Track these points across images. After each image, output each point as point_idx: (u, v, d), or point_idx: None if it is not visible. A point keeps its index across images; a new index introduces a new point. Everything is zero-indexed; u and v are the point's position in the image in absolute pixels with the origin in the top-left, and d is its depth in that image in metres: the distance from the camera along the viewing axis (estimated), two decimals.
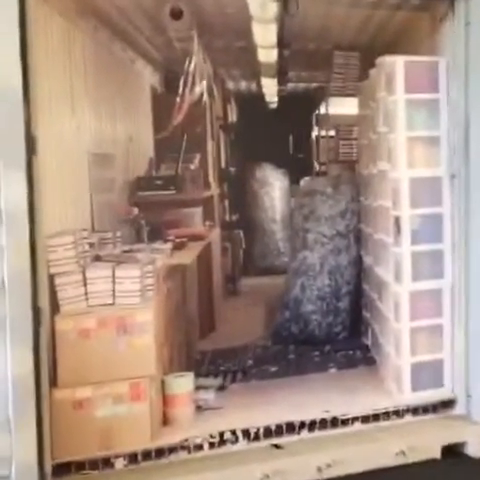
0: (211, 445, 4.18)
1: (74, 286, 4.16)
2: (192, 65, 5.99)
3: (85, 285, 4.20)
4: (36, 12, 3.68)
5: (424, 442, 4.41)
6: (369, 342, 6.05)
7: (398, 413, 4.62)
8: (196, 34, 5.79)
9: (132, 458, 3.98)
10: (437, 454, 4.39)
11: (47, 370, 3.44)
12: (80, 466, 3.86)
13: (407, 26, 6.18)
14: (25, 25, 3.36)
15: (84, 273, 4.21)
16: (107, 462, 3.93)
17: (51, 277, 4.11)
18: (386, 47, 6.59)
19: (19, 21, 3.32)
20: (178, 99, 6.12)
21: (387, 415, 4.59)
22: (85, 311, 4.14)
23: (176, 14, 5.32)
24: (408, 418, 4.64)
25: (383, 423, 4.57)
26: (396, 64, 4.78)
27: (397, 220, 4.83)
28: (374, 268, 5.69)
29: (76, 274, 4.18)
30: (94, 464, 3.90)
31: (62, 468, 3.78)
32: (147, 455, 4.01)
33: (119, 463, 3.95)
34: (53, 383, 3.95)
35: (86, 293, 4.20)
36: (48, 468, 3.36)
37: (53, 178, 4.28)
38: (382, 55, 5.13)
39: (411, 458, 4.32)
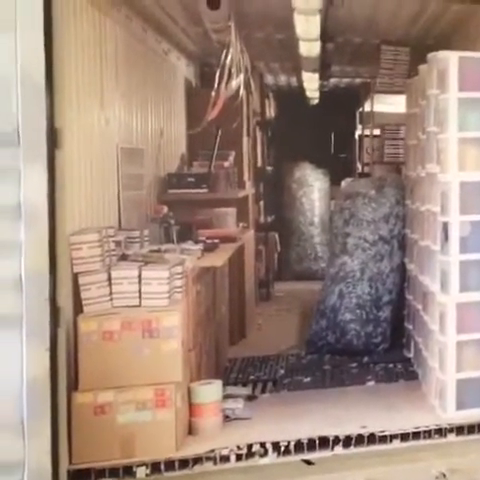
0: (238, 457, 4.17)
1: (98, 286, 4.19)
2: (229, 58, 6.00)
3: (110, 285, 4.23)
4: (63, 0, 3.71)
5: (467, 464, 4.33)
6: (411, 355, 6.00)
7: (440, 432, 4.56)
8: (234, 25, 5.80)
9: (155, 467, 3.99)
10: None
11: (65, 372, 3.47)
12: (100, 473, 3.88)
13: (462, 19, 6.13)
14: (50, 13, 3.39)
15: (109, 272, 4.25)
16: (128, 470, 3.95)
17: (75, 276, 4.16)
18: (439, 42, 6.55)
19: (44, 9, 3.36)
20: (213, 93, 6.14)
21: (428, 434, 4.53)
22: (109, 312, 4.18)
23: (213, 4, 5.34)
24: (451, 438, 4.57)
25: (424, 442, 4.50)
26: (449, 60, 4.74)
27: (445, 226, 4.79)
28: (419, 277, 5.64)
29: (101, 273, 4.22)
30: (115, 472, 3.91)
31: (81, 474, 3.81)
32: (171, 465, 4.02)
33: (141, 472, 3.96)
34: (74, 387, 4.00)
35: (111, 293, 4.23)
36: (63, 474, 3.38)
37: (79, 173, 4.33)
38: (434, 50, 5.09)
39: None
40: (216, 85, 6.12)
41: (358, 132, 11.33)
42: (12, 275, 3.25)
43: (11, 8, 3.27)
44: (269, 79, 10.64)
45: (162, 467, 4.01)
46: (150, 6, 5.85)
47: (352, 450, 4.37)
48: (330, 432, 4.38)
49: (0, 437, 3.17)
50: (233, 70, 6.17)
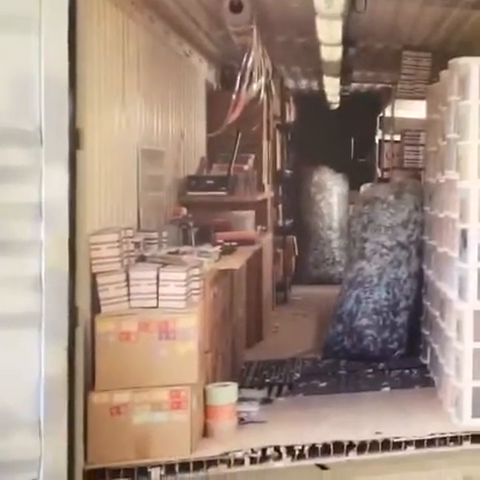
0: (252, 460, 4.17)
1: (116, 286, 4.20)
2: (250, 61, 6.01)
3: (128, 286, 4.24)
4: (88, 1, 3.72)
5: None
6: (427, 362, 5.97)
7: (456, 439, 4.53)
8: (256, 28, 5.80)
9: (169, 468, 3.99)
10: None
11: (82, 372, 3.47)
12: (115, 473, 3.89)
13: None
14: (75, 15, 3.41)
15: (127, 273, 4.26)
16: (143, 471, 3.95)
17: (93, 276, 4.18)
18: (461, 48, 6.51)
19: (68, 10, 3.36)
20: (234, 96, 6.15)
21: (443, 441, 4.51)
22: (127, 313, 4.19)
23: (236, 7, 5.35)
24: (466, 445, 4.53)
25: (439, 449, 4.48)
26: (471, 66, 4.75)
27: (464, 233, 4.77)
28: (436, 283, 5.61)
29: (119, 274, 4.23)
30: (129, 472, 3.92)
31: (96, 474, 3.82)
32: (185, 466, 4.02)
33: (155, 473, 3.97)
34: (91, 387, 4.00)
35: (129, 294, 4.24)
36: (79, 473, 3.39)
37: (99, 173, 4.35)
38: (456, 56, 5.07)
39: None
40: (237, 88, 6.13)
41: (378, 137, 11.31)
42: (32, 274, 3.26)
43: (36, 8, 3.29)
44: (290, 83, 10.63)
45: (176, 468, 4.01)
46: (173, 8, 5.86)
47: (366, 456, 4.35)
48: (345, 437, 4.37)
49: (17, 435, 3.18)
50: (254, 73, 6.18)
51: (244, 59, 5.99)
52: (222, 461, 4.12)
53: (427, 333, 6.03)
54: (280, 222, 9.50)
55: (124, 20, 4.88)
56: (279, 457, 4.23)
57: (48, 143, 3.30)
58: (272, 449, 4.22)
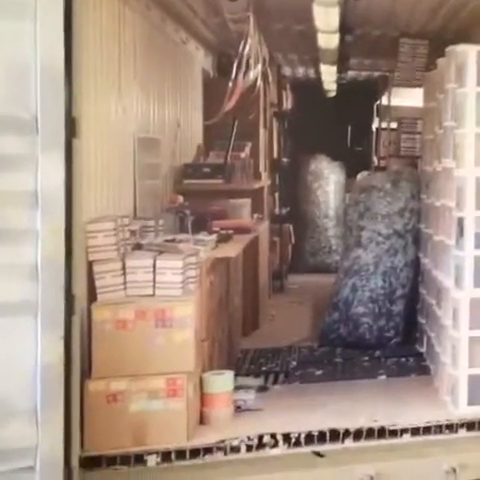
0: (249, 448, 4.18)
1: (113, 274, 4.20)
2: (247, 48, 5.99)
3: (124, 274, 4.24)
4: None
5: (478, 460, 4.33)
6: (424, 350, 5.98)
7: (451, 427, 4.55)
8: (252, 16, 5.78)
9: (165, 456, 4.01)
10: None
11: (78, 360, 3.48)
12: (111, 460, 3.90)
13: None
14: (71, 1, 3.38)
15: (124, 261, 4.26)
16: (139, 458, 3.96)
17: (90, 264, 4.17)
18: (458, 35, 6.50)
19: None
20: (230, 83, 6.13)
21: (439, 429, 4.53)
22: (123, 301, 4.19)
23: None
24: (462, 433, 4.56)
25: (434, 437, 4.50)
26: (468, 54, 4.74)
27: (460, 221, 4.77)
28: (433, 272, 5.62)
29: (116, 262, 4.22)
30: (126, 459, 3.93)
31: (93, 461, 3.84)
32: (181, 454, 4.04)
33: (151, 460, 3.98)
34: (87, 375, 4.01)
35: (125, 282, 4.24)
36: (75, 460, 3.40)
37: (96, 161, 4.34)
38: (453, 44, 5.06)
39: (462, 477, 4.25)
40: (233, 76, 6.11)
41: (375, 125, 11.29)
42: (28, 263, 3.25)
43: None
44: (287, 71, 10.61)
45: (173, 456, 4.02)
46: None
47: (362, 443, 4.37)
48: (341, 425, 4.38)
49: (13, 423, 3.18)
50: (251, 61, 6.16)
51: (241, 47, 5.97)
52: (218, 449, 4.13)
53: (423, 321, 6.04)
54: (277, 210, 9.50)
55: (120, 7, 4.85)
56: (275, 445, 4.24)
57: (44, 131, 3.28)
58: (268, 437, 4.24)
